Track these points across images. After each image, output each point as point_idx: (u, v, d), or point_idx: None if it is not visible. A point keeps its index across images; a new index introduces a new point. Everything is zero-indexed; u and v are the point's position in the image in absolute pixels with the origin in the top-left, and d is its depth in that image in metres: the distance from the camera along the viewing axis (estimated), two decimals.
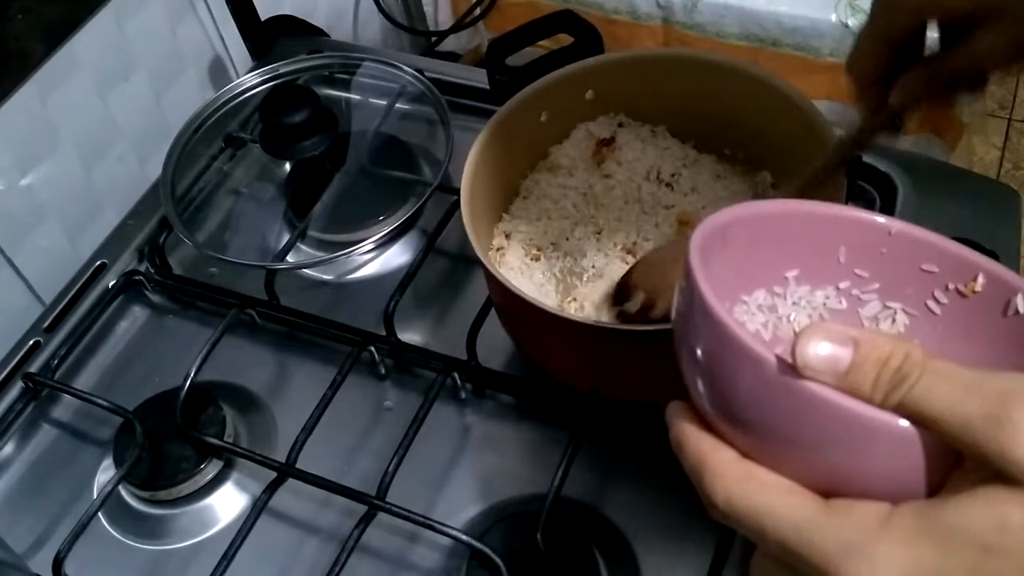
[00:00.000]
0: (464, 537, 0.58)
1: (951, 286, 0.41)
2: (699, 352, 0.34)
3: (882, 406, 0.30)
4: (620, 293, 0.59)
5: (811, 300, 0.43)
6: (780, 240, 0.41)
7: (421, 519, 0.59)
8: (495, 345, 0.67)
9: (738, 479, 0.32)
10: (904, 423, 0.29)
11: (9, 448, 0.70)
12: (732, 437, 0.33)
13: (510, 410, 0.68)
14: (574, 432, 0.61)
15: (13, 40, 0.73)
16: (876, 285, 0.43)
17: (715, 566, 0.56)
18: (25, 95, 0.75)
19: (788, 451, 0.32)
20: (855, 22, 1.01)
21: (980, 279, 0.40)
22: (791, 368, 0.30)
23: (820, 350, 0.30)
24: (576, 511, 0.61)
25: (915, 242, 0.42)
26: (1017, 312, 0.38)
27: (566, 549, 0.58)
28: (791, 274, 0.42)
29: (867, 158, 0.73)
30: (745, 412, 0.32)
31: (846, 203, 0.57)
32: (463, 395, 0.69)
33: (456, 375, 0.67)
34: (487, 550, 0.57)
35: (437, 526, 0.58)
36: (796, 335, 0.31)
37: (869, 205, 0.74)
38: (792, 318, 0.43)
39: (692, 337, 0.34)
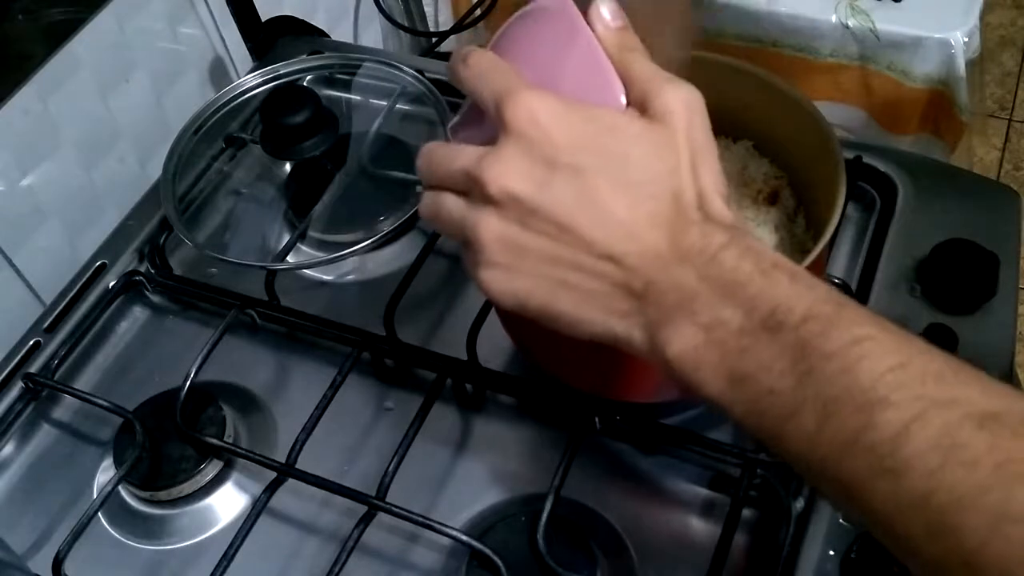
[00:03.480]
0: (464, 537, 0.58)
1: None
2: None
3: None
4: None
5: None
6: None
7: (421, 519, 0.59)
8: (495, 345, 0.67)
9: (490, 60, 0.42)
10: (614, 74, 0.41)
11: (9, 448, 0.70)
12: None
13: (510, 410, 0.68)
14: (574, 432, 0.61)
15: (14, 41, 0.73)
16: None
17: (714, 566, 0.56)
18: (26, 96, 0.75)
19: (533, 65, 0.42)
20: (855, 22, 1.01)
21: None
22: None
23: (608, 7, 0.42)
24: (576, 511, 0.61)
25: None
26: None
27: (566, 549, 0.58)
28: None
29: (867, 158, 0.74)
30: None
31: (845, 204, 0.57)
32: (463, 395, 0.69)
33: (456, 376, 0.67)
34: (487, 550, 0.57)
35: (437, 526, 0.58)
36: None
37: (869, 205, 0.74)
38: None
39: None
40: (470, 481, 0.65)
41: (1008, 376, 0.63)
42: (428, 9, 1.29)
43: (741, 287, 0.37)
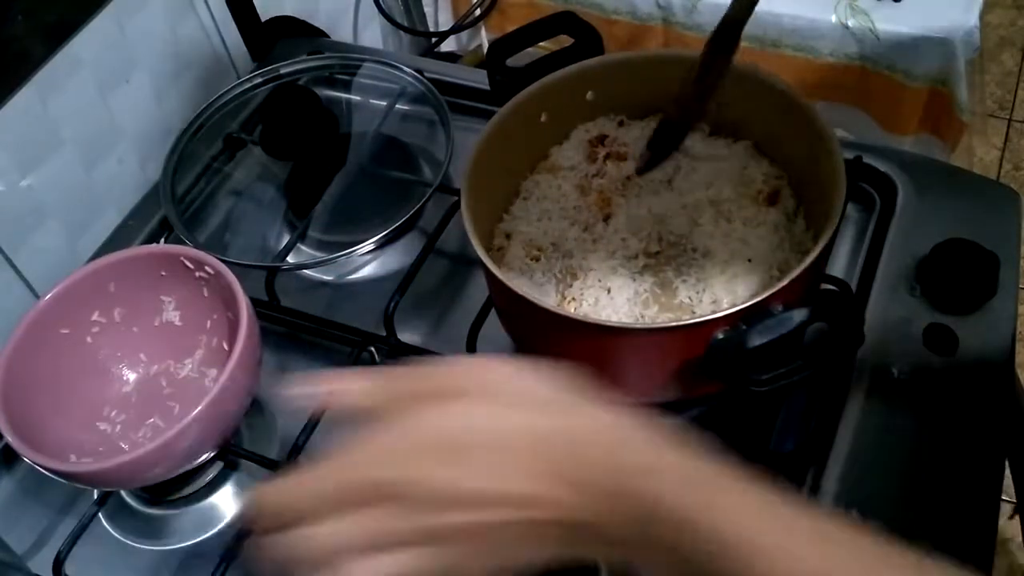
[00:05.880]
0: None
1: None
2: None
3: None
4: None
5: None
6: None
7: None
8: (495, 345, 0.67)
9: None
10: None
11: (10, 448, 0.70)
12: None
13: None
14: None
15: (14, 41, 0.73)
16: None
17: None
18: (26, 96, 0.75)
19: None
20: (855, 22, 1.01)
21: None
22: None
23: None
24: None
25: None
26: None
27: None
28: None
29: (867, 158, 0.74)
30: None
31: (845, 204, 0.57)
32: None
33: None
34: None
35: None
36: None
37: (869, 206, 0.74)
38: None
39: None
40: None
41: (1008, 376, 0.63)
42: (428, 9, 1.29)
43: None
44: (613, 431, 0.38)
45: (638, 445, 0.38)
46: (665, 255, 0.62)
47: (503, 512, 0.37)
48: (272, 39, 0.95)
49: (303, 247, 0.79)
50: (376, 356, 0.70)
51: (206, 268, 0.64)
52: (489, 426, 0.38)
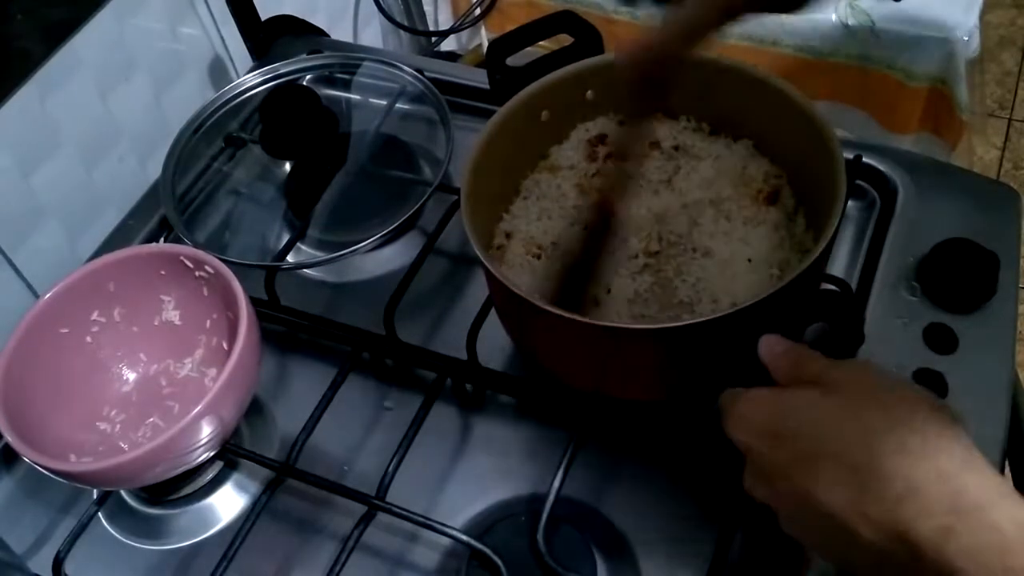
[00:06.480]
0: (464, 537, 0.58)
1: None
2: None
3: None
4: None
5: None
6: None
7: (421, 519, 0.59)
8: (495, 345, 0.67)
9: None
10: None
11: (9, 448, 0.70)
12: None
13: (510, 410, 0.68)
14: (574, 432, 0.61)
15: (14, 40, 0.73)
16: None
17: (715, 566, 0.56)
18: (26, 95, 0.75)
19: None
20: (855, 22, 1.01)
21: None
22: None
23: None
24: (576, 511, 0.61)
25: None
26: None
27: (566, 549, 0.58)
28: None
29: (867, 158, 0.74)
30: None
31: (845, 204, 0.57)
32: (463, 395, 0.69)
33: (456, 375, 0.67)
34: (487, 550, 0.57)
35: (437, 526, 0.58)
36: None
37: (869, 205, 0.74)
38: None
39: None
40: (470, 481, 0.65)
41: (1008, 376, 0.63)
42: (428, 8, 1.29)
43: None
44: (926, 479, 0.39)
45: (944, 499, 0.38)
46: (665, 255, 0.62)
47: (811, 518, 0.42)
48: (272, 38, 0.95)
49: (303, 247, 0.79)
50: (376, 356, 0.70)
51: (206, 268, 0.64)
52: (836, 431, 0.42)
